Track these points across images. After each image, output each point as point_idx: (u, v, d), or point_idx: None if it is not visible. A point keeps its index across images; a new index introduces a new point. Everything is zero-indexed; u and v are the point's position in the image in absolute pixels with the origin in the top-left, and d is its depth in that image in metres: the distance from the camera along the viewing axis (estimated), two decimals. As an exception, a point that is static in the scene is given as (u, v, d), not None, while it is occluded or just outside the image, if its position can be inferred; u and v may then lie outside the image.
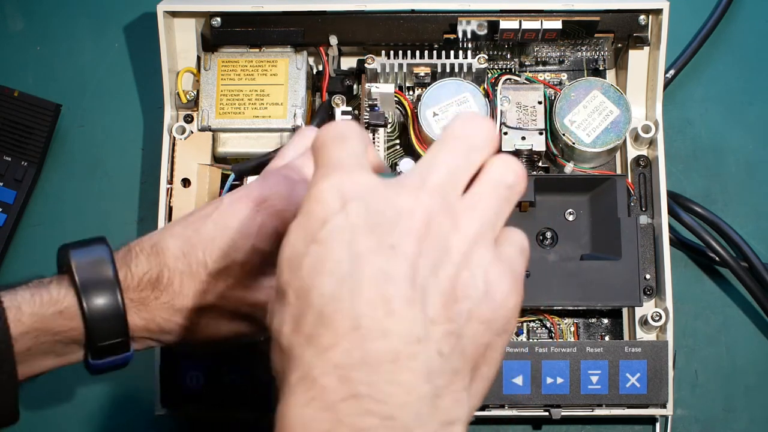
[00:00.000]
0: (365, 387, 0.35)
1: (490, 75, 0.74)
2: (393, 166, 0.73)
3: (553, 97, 0.72)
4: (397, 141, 0.74)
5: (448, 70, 0.71)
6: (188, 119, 0.73)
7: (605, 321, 0.72)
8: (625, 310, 0.71)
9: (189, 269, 0.51)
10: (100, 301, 0.49)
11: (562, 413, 0.66)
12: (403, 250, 0.36)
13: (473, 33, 0.71)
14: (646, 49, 0.72)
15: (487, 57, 0.71)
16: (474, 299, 0.38)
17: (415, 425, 0.35)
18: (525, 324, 0.71)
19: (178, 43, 0.72)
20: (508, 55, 0.74)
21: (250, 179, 0.67)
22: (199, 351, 0.63)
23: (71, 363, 0.52)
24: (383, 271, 0.36)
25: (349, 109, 0.71)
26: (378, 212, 0.37)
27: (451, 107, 0.70)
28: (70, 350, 0.51)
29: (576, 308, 0.69)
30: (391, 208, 0.37)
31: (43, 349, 0.50)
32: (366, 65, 0.71)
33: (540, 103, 0.71)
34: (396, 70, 0.72)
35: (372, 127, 0.73)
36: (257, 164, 0.69)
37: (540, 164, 0.72)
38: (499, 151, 0.47)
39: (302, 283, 0.37)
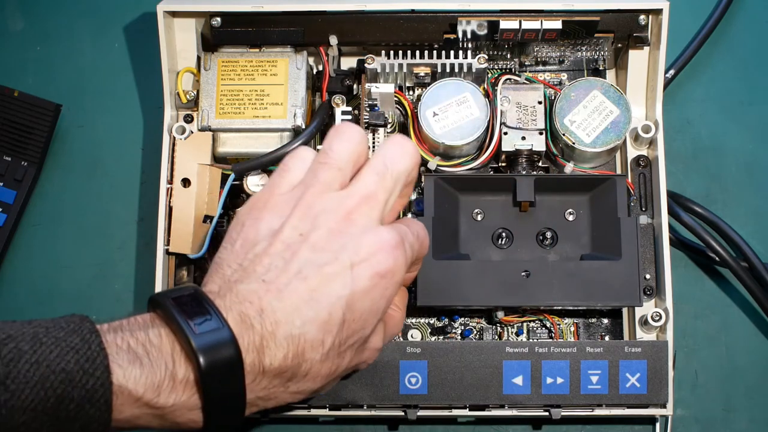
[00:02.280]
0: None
1: (490, 75, 0.74)
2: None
3: (553, 97, 0.72)
4: (397, 141, 0.74)
5: (448, 70, 0.71)
6: (188, 119, 0.73)
7: (605, 321, 0.72)
8: (625, 310, 0.71)
9: (322, 356, 0.51)
10: (227, 418, 0.49)
11: (562, 413, 0.66)
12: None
13: (473, 33, 0.71)
14: (646, 49, 0.72)
15: (487, 57, 0.71)
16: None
17: None
18: (525, 324, 0.71)
19: (178, 43, 0.72)
20: (508, 55, 0.74)
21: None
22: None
23: None
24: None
25: (349, 109, 0.71)
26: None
27: (451, 107, 0.70)
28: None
29: (576, 308, 0.69)
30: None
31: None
32: (366, 65, 0.71)
33: (540, 103, 0.71)
34: (396, 70, 0.72)
35: (372, 127, 0.73)
36: (257, 164, 0.69)
37: (540, 164, 0.72)
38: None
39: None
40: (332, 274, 0.50)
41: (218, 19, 0.71)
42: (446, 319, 0.71)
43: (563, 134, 0.70)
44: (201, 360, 0.46)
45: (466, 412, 0.67)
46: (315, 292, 0.50)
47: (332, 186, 0.53)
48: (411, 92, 0.75)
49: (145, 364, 0.46)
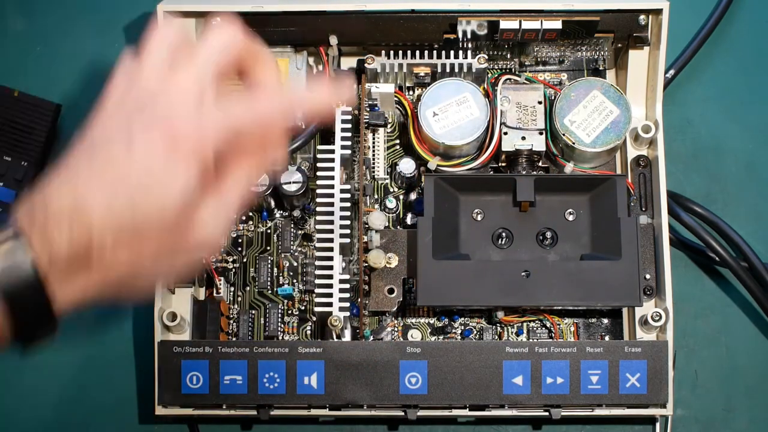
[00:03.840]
0: None
1: (490, 75, 0.74)
2: (393, 166, 0.73)
3: (553, 97, 0.72)
4: (397, 141, 0.74)
5: (448, 70, 0.71)
6: (188, 119, 0.73)
7: (605, 321, 0.72)
8: (625, 310, 0.71)
9: (119, 239, 0.46)
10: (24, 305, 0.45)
11: (562, 413, 0.66)
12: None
13: (473, 33, 0.71)
14: (646, 49, 0.72)
15: (487, 57, 0.71)
16: None
17: None
18: (525, 324, 0.71)
19: (178, 43, 0.72)
20: (508, 55, 0.74)
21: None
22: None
23: None
24: None
25: (349, 109, 0.71)
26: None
27: (451, 107, 0.70)
28: None
29: (576, 308, 0.69)
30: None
31: None
32: (366, 65, 0.71)
33: (540, 103, 0.71)
34: (396, 70, 0.72)
35: (372, 127, 0.73)
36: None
37: (540, 164, 0.72)
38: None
39: None
40: None
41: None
42: (446, 319, 0.71)
43: (563, 134, 0.70)
44: None
45: (466, 412, 0.67)
46: None
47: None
48: (411, 92, 0.75)
49: None
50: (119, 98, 0.51)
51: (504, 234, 0.70)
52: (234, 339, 0.72)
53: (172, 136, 0.47)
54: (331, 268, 0.66)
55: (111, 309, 0.50)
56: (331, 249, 0.67)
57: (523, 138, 0.70)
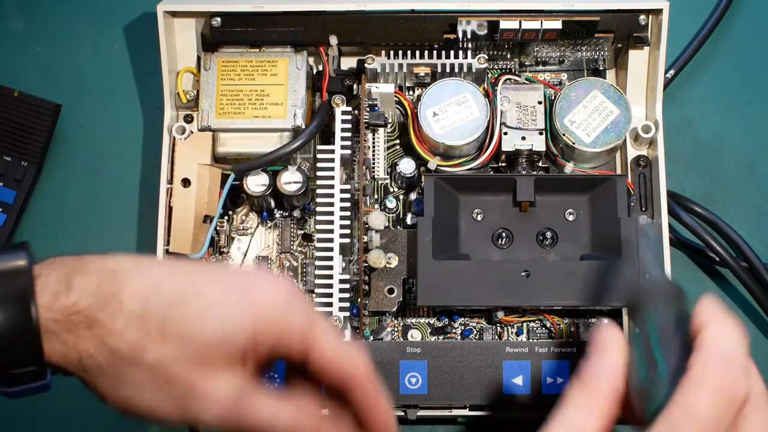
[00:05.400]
0: None
1: (490, 75, 0.74)
2: (393, 166, 0.73)
3: (553, 97, 0.72)
4: (397, 141, 0.74)
5: (448, 70, 0.71)
6: (188, 119, 0.73)
7: (605, 321, 0.71)
8: (625, 310, 0.71)
9: (141, 318, 0.44)
10: (5, 316, 0.43)
11: (562, 413, 0.66)
12: None
13: (473, 33, 0.71)
14: (646, 49, 0.72)
15: (487, 57, 0.71)
16: None
17: None
18: (525, 324, 0.71)
19: (178, 43, 0.72)
20: (508, 55, 0.74)
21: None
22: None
23: None
24: None
25: (349, 109, 0.71)
26: None
27: (451, 107, 0.70)
28: None
29: (576, 308, 0.69)
30: None
31: None
32: (366, 65, 0.71)
33: (540, 103, 0.71)
34: (396, 70, 0.72)
35: (372, 127, 0.73)
36: (257, 164, 0.69)
37: (540, 164, 0.72)
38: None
39: None
40: None
41: (218, 19, 0.71)
42: (446, 319, 0.71)
43: (563, 134, 0.70)
44: None
45: (466, 412, 0.67)
46: None
47: None
48: (411, 92, 0.75)
49: None
50: None
51: (504, 234, 0.70)
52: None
53: None
54: (331, 268, 0.66)
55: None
56: (331, 249, 0.67)
57: (523, 138, 0.70)
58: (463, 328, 0.71)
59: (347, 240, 0.67)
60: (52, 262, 0.45)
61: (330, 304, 0.65)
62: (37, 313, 0.43)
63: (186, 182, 0.70)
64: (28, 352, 0.43)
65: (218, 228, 0.71)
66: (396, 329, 0.71)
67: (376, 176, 0.74)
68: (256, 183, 0.70)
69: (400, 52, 0.72)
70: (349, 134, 0.69)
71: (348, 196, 0.68)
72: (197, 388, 0.46)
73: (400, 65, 0.71)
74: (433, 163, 0.70)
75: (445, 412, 0.67)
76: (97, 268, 0.45)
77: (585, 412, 0.40)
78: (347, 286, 0.66)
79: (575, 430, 0.39)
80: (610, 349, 0.41)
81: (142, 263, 0.46)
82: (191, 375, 0.45)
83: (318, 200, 0.68)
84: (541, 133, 0.70)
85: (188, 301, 0.45)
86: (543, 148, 0.70)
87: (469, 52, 0.72)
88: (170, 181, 0.70)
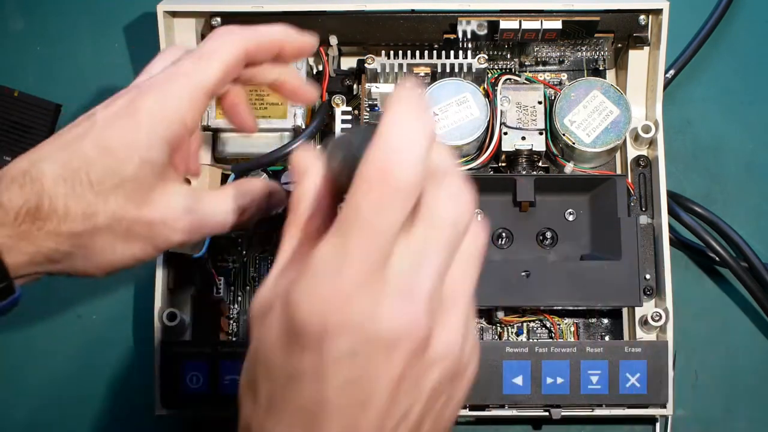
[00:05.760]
0: None
1: (490, 75, 0.74)
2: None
3: (553, 97, 0.72)
4: (397, 141, 0.74)
5: (448, 70, 0.71)
6: (188, 119, 0.73)
7: (605, 321, 0.72)
8: (625, 310, 0.71)
9: (73, 192, 0.47)
10: None
11: (562, 413, 0.66)
12: (375, 405, 0.36)
13: (473, 33, 0.71)
14: (646, 49, 0.72)
15: (487, 57, 0.71)
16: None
17: None
18: (525, 324, 0.71)
19: (178, 43, 0.72)
20: (508, 55, 0.74)
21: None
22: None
23: None
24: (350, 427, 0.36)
25: (349, 109, 0.71)
26: (359, 353, 0.35)
27: (451, 107, 0.70)
28: None
29: (576, 308, 0.69)
30: (374, 350, 0.36)
31: None
32: (366, 65, 0.71)
33: (540, 103, 0.71)
34: (396, 70, 0.72)
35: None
36: (257, 164, 0.69)
37: (540, 164, 0.72)
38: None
39: (275, 394, 0.37)
40: None
41: (218, 19, 0.71)
42: (446, 319, 0.71)
43: (563, 134, 0.70)
44: None
45: (466, 412, 0.67)
46: None
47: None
48: (411, 92, 0.75)
49: None
50: None
51: (504, 234, 0.70)
52: (234, 339, 0.72)
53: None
54: (331, 268, 0.66)
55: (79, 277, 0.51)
56: (331, 249, 0.66)
57: (523, 138, 0.70)
58: (463, 328, 0.71)
59: (347, 240, 0.67)
60: None
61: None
62: None
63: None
64: None
65: (218, 228, 0.71)
66: (396, 329, 0.71)
67: (376, 176, 0.74)
68: (256, 183, 0.70)
69: (400, 52, 0.72)
70: (349, 134, 0.69)
71: (348, 196, 0.68)
72: (154, 219, 0.50)
73: (400, 65, 0.71)
74: (433, 163, 0.70)
75: (445, 412, 0.67)
76: (10, 177, 0.47)
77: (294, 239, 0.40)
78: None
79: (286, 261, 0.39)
80: (308, 172, 0.40)
81: (42, 153, 0.48)
82: (142, 211, 0.49)
83: (318, 200, 0.68)
84: (541, 133, 0.70)
85: (94, 157, 0.48)
86: (543, 148, 0.70)
87: (469, 52, 0.72)
88: (170, 181, 0.70)
